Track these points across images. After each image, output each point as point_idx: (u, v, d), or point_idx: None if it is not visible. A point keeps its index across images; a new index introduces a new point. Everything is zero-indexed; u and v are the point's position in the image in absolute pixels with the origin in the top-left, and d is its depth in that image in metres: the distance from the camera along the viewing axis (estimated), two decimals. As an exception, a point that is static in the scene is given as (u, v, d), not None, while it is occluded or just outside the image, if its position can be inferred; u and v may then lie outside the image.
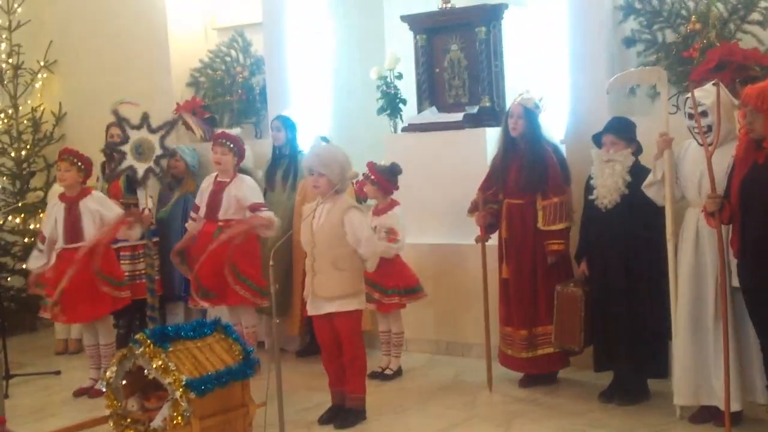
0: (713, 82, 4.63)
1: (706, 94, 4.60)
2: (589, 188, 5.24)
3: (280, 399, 4.45)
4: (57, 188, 6.99)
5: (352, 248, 4.95)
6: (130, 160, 5.90)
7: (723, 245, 4.44)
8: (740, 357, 4.61)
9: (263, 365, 4.82)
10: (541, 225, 5.43)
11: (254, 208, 6.06)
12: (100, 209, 6.02)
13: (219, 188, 6.14)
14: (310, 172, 5.00)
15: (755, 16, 5.40)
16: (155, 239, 6.54)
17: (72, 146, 6.55)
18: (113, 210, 6.10)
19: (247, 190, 6.11)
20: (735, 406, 4.56)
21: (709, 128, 4.57)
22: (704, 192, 4.63)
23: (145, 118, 6.00)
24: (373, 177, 5.94)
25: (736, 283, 4.51)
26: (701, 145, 4.61)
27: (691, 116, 4.65)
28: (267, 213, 6.02)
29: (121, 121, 5.89)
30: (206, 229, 6.10)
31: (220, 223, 6.06)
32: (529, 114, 5.49)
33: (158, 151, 6.00)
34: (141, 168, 5.90)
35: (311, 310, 5.05)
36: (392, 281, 5.85)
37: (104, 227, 5.95)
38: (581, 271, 5.35)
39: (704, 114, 4.58)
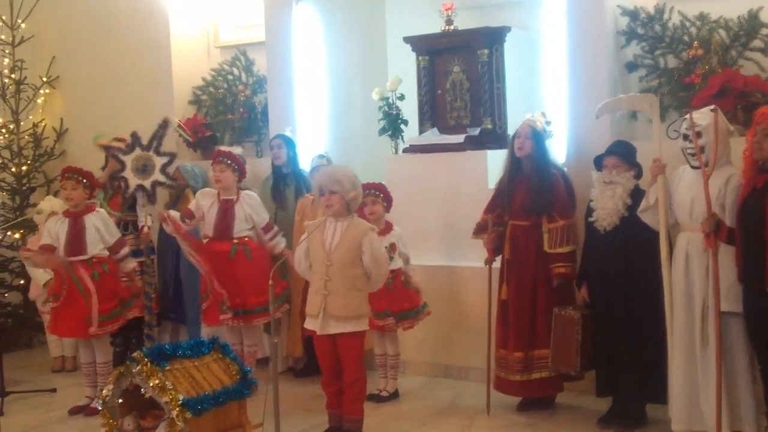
0: (711, 107, 4.63)
1: (702, 116, 4.60)
2: (590, 212, 5.23)
3: (277, 420, 4.41)
4: (47, 205, 6.96)
5: (364, 269, 4.93)
6: (134, 180, 6.05)
7: (717, 268, 4.40)
8: (728, 384, 4.53)
9: (261, 385, 4.79)
10: (547, 248, 5.40)
11: (268, 228, 6.14)
12: (102, 229, 5.99)
13: (227, 206, 6.07)
14: (321, 191, 4.96)
15: (757, 43, 5.43)
16: (153, 257, 6.53)
17: (72, 163, 6.55)
18: (114, 235, 6.07)
19: (258, 207, 6.14)
20: None
21: (702, 149, 4.57)
22: (695, 216, 4.63)
23: (135, 139, 6.07)
24: (382, 194, 5.89)
25: (725, 307, 4.47)
26: (694, 167, 4.64)
27: (686, 137, 4.65)
28: (280, 239, 6.17)
29: (113, 153, 5.94)
30: (219, 248, 5.99)
31: (235, 241, 6.03)
32: (537, 135, 5.48)
33: (160, 162, 6.08)
34: (148, 183, 6.11)
35: (318, 330, 4.94)
36: (384, 305, 5.77)
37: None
38: (582, 297, 5.33)
39: (699, 135, 4.58)
